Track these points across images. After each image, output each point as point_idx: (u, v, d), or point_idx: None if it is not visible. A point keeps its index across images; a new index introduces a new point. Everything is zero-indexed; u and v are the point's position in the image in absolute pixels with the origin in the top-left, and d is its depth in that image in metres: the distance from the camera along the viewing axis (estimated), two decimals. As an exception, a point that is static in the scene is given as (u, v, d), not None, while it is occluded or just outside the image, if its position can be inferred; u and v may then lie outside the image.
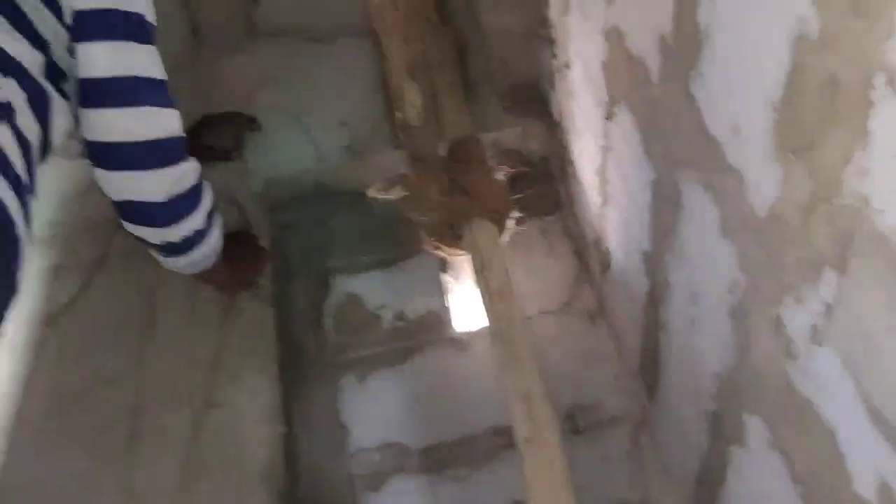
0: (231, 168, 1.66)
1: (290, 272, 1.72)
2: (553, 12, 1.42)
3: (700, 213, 0.91)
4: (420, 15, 1.79)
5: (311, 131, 1.75)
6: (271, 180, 1.71)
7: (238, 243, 1.41)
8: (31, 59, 0.93)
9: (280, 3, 1.88)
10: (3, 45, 0.90)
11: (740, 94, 0.73)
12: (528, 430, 1.17)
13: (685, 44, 0.83)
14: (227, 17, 1.88)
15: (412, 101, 1.26)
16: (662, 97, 0.95)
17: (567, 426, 1.45)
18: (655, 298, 1.19)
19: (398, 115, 1.29)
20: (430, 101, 1.28)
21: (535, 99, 1.71)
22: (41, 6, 0.95)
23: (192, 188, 1.11)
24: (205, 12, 1.87)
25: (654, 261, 1.15)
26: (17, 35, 0.92)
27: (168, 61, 1.97)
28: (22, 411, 1.34)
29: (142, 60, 1.04)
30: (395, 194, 1.51)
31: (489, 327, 1.33)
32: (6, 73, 0.90)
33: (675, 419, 1.26)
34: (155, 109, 1.04)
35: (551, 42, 1.48)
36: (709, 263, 0.93)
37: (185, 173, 1.09)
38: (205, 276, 1.33)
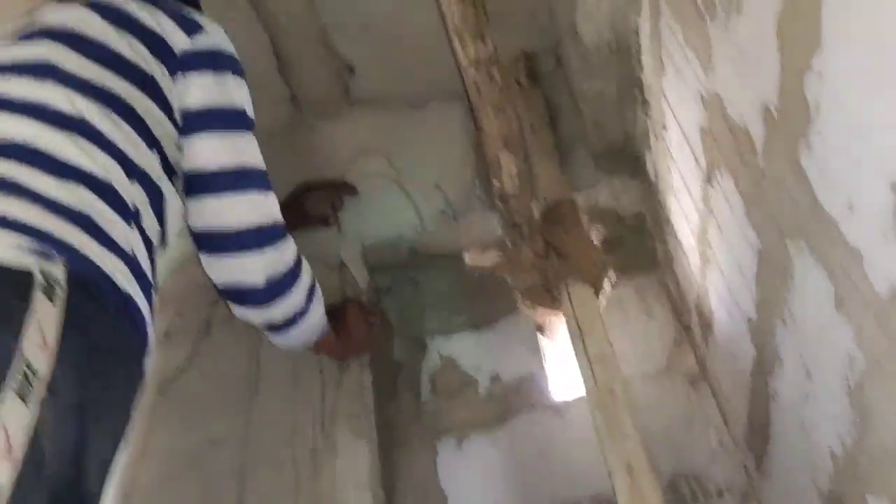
0: (331, 234, 1.71)
1: (388, 335, 1.74)
2: (647, 74, 1.42)
3: (814, 288, 0.87)
4: (512, 79, 1.83)
5: (406, 195, 1.79)
6: (369, 244, 1.75)
7: (349, 312, 1.43)
8: (149, 161, 1.00)
9: (375, 72, 1.94)
10: (126, 151, 0.96)
11: (856, 172, 0.71)
12: (632, 502, 1.14)
13: (792, 117, 0.81)
14: (325, 86, 1.95)
15: (508, 170, 1.27)
16: (768, 168, 0.93)
17: (670, 496, 1.40)
18: (764, 368, 1.15)
19: (495, 183, 1.31)
20: (524, 166, 1.29)
21: (628, 157, 1.70)
22: (154, 108, 1.02)
23: (290, 269, 1.14)
24: (303, 81, 1.94)
25: (762, 330, 1.11)
26: (138, 139, 0.98)
27: (267, 129, 2.06)
28: (137, 475, 1.40)
29: (244, 150, 1.10)
30: (490, 259, 1.52)
31: (588, 394, 1.31)
32: (132, 178, 0.96)
33: (786, 495, 1.20)
34: (257, 196, 1.09)
35: (646, 103, 1.47)
36: (823, 338, 0.90)
37: (283, 254, 1.13)
38: (317, 347, 1.36)
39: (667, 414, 1.52)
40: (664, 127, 1.39)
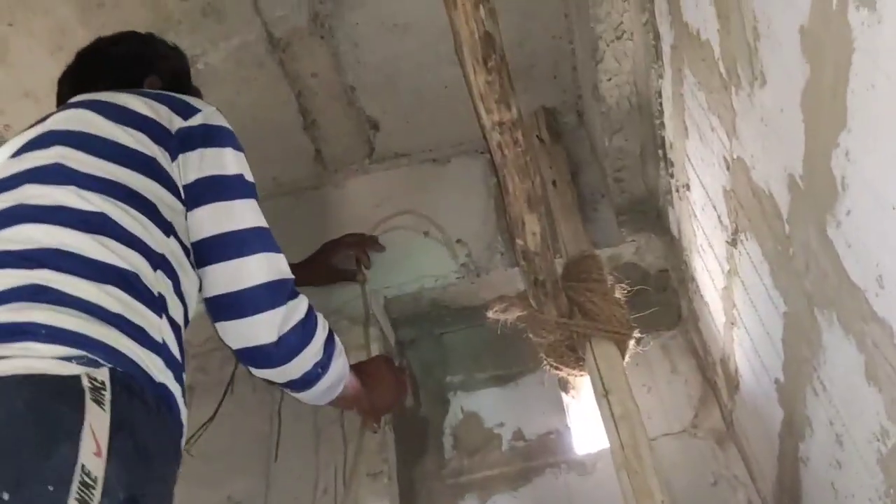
0: (356, 289, 1.72)
1: (414, 390, 1.74)
2: (670, 134, 1.43)
3: (843, 358, 0.87)
4: (534, 136, 1.85)
5: (429, 249, 1.80)
6: (392, 298, 1.76)
7: (378, 368, 1.43)
8: (167, 245, 1.04)
9: (398, 128, 1.98)
10: (145, 239, 1.00)
11: (886, 248, 0.71)
12: (660, 566, 1.12)
13: (819, 189, 0.82)
14: (349, 142, 1.98)
15: (531, 229, 1.27)
16: (794, 234, 0.93)
17: (699, 558, 1.38)
18: (794, 431, 1.13)
19: (518, 241, 1.31)
20: (546, 223, 1.30)
21: (651, 214, 1.71)
22: (161, 190, 1.06)
23: (302, 322, 1.14)
24: (328, 138, 1.98)
25: (791, 393, 1.10)
26: (152, 226, 1.02)
27: (292, 185, 2.10)
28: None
29: (244, 215, 1.12)
30: (513, 314, 1.51)
31: (614, 455, 1.29)
32: (154, 266, 1.00)
33: (819, 561, 1.18)
34: (264, 255, 1.11)
35: (668, 162, 1.48)
36: (854, 408, 0.89)
37: (294, 310, 1.13)
38: (343, 403, 1.35)
39: (694, 473, 1.50)
40: (687, 187, 1.40)
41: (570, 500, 1.51)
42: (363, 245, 1.76)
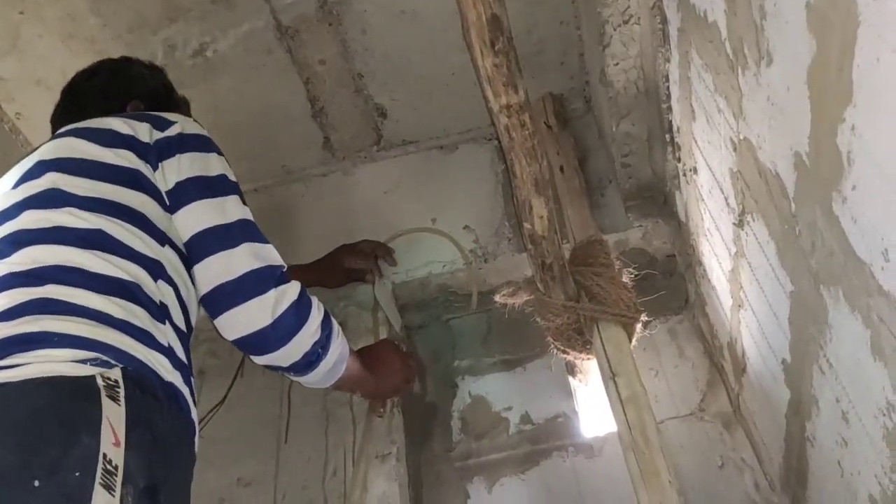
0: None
1: (418, 374, 1.75)
2: (677, 118, 1.43)
3: (850, 335, 0.88)
4: (541, 122, 1.85)
5: (437, 235, 1.81)
6: (400, 283, 1.77)
7: (384, 351, 1.45)
8: (164, 255, 1.08)
9: (406, 116, 1.98)
10: (143, 251, 1.05)
11: (892, 221, 0.71)
12: (667, 546, 1.13)
13: (825, 166, 0.82)
14: (358, 130, 1.99)
15: (539, 213, 1.28)
16: (800, 213, 0.93)
17: (706, 539, 1.39)
18: (800, 411, 1.14)
19: (525, 225, 1.32)
20: (554, 208, 1.31)
21: (658, 198, 1.71)
22: (149, 200, 1.10)
23: (295, 303, 1.14)
24: (336, 125, 1.99)
25: (797, 372, 1.11)
26: (148, 237, 1.07)
27: (301, 172, 2.11)
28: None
29: (228, 210, 1.15)
30: (521, 299, 1.52)
31: (621, 437, 1.30)
32: (155, 277, 1.05)
33: (826, 540, 1.19)
34: (246, 245, 1.13)
35: (675, 146, 1.49)
36: (860, 384, 0.90)
37: (284, 292, 1.14)
38: (349, 385, 1.36)
39: (701, 455, 1.51)
40: (694, 170, 1.40)
41: (578, 483, 1.52)
42: (375, 255, 1.76)
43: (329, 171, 2.05)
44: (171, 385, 0.98)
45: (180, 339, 1.06)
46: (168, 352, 1.01)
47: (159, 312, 1.03)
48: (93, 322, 0.95)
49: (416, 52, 1.86)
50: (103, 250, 1.02)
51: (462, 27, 1.05)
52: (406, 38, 1.83)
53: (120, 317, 0.97)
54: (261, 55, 1.84)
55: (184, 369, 1.04)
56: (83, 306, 0.96)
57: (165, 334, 1.02)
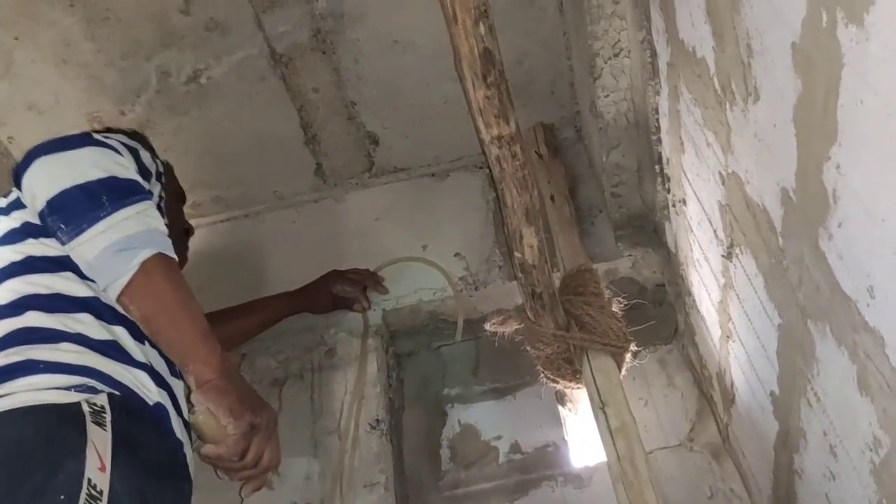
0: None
1: (408, 402, 1.75)
2: (666, 150, 1.45)
3: (837, 369, 0.88)
4: (532, 151, 1.87)
5: (427, 263, 1.82)
6: (390, 310, 1.77)
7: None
8: (87, 291, 1.06)
9: (398, 143, 2.00)
10: (76, 294, 1.04)
11: (876, 259, 0.72)
12: (656, 580, 1.12)
13: (811, 202, 0.83)
14: (350, 157, 2.00)
15: (530, 242, 1.29)
16: (788, 248, 0.94)
17: (695, 572, 1.38)
18: (789, 443, 1.14)
19: (516, 254, 1.33)
20: (544, 236, 1.31)
21: (649, 228, 1.72)
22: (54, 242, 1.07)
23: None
24: (328, 152, 2.00)
25: (785, 405, 1.12)
26: (77, 279, 1.06)
27: (293, 198, 2.11)
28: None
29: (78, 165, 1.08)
30: (511, 327, 1.52)
31: (610, 467, 1.30)
32: (102, 317, 1.04)
33: (815, 573, 1.18)
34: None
35: (665, 177, 1.50)
36: (847, 418, 0.90)
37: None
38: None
39: (690, 486, 1.50)
40: (683, 202, 1.41)
41: (567, 513, 1.51)
42: (364, 285, 1.76)
43: (321, 198, 2.06)
44: (157, 407, 1.01)
45: (160, 355, 1.08)
46: (149, 370, 1.03)
47: (135, 328, 1.05)
48: (77, 347, 0.97)
49: (409, 80, 1.88)
50: (75, 273, 1.04)
51: (454, 59, 1.07)
52: (398, 67, 1.85)
53: (104, 338, 1.00)
54: (254, 82, 1.85)
55: (165, 387, 1.06)
56: (64, 331, 0.98)
57: (146, 354, 1.05)
